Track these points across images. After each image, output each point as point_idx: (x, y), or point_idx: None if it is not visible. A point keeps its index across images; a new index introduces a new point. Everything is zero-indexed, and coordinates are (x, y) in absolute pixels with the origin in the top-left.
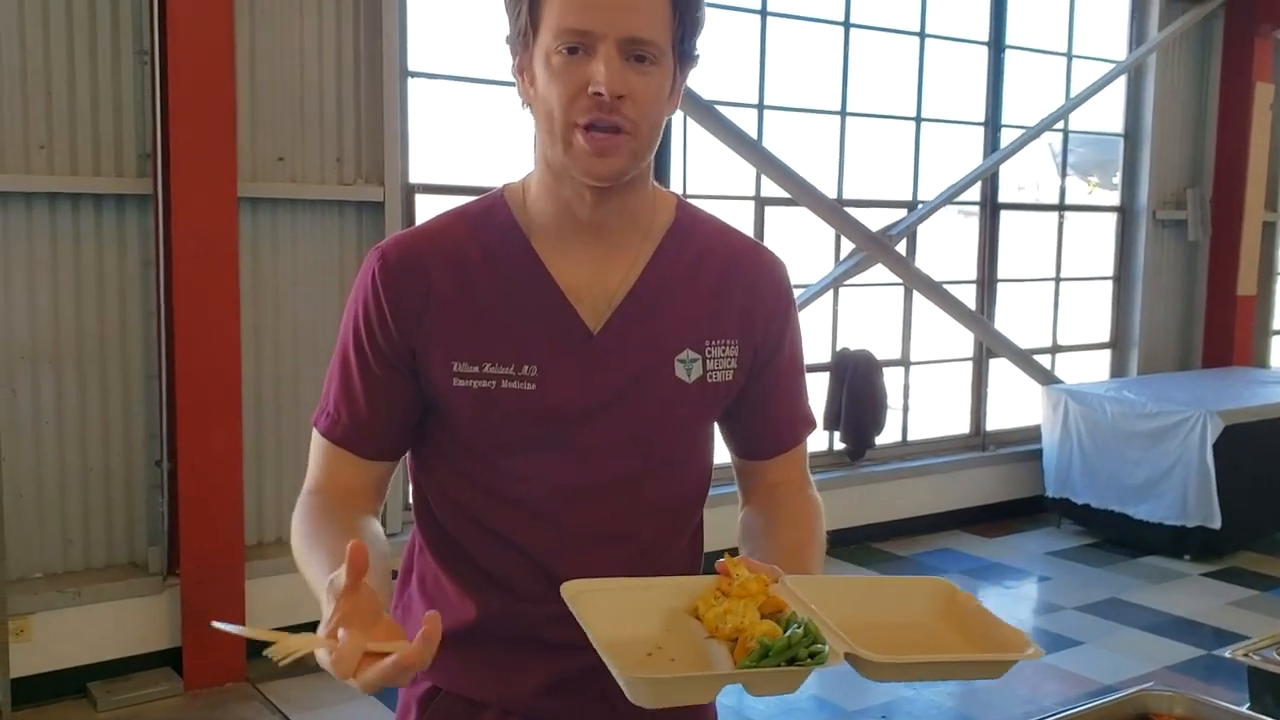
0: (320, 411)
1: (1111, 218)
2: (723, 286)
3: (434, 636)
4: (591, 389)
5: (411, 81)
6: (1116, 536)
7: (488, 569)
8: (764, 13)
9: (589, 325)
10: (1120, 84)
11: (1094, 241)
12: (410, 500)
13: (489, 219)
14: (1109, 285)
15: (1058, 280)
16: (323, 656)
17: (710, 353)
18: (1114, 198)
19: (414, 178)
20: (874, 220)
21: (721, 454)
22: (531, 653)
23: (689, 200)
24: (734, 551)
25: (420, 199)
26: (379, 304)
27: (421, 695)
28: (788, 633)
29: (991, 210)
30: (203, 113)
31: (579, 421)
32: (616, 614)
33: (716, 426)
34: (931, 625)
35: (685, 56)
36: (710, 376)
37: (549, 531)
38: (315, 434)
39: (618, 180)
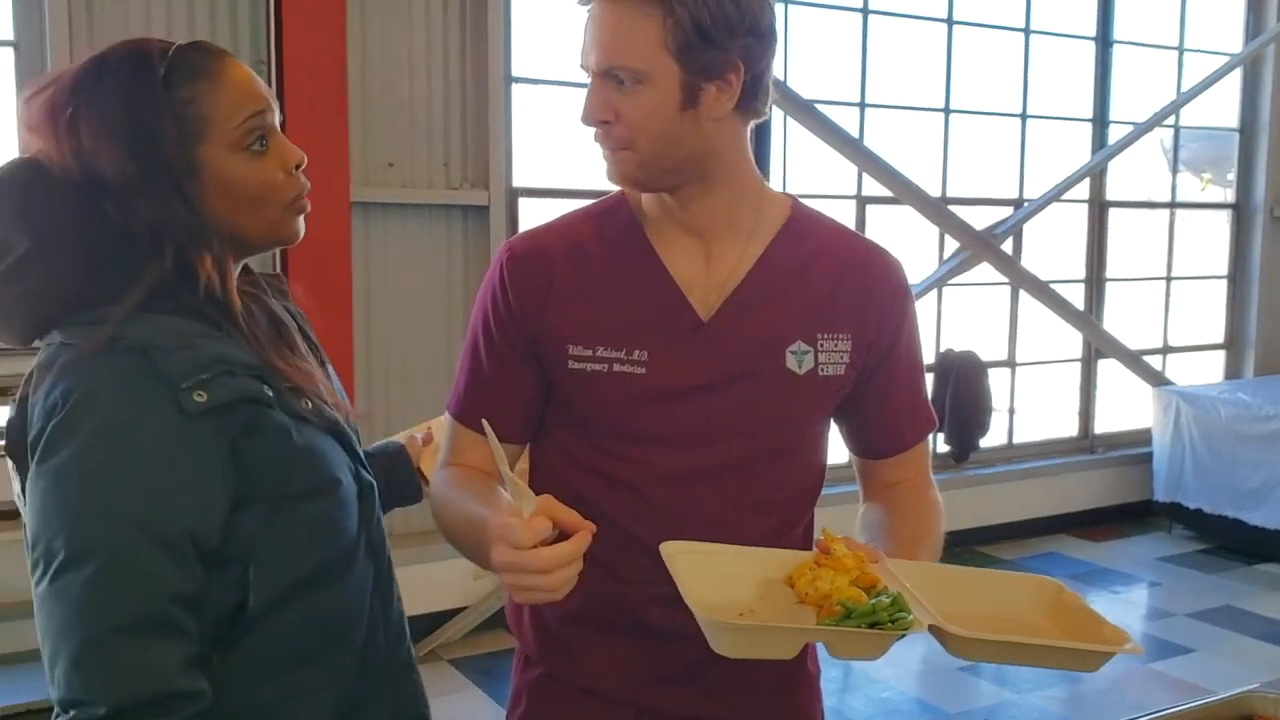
0: (452, 395)
1: (1225, 215)
2: (837, 283)
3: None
4: (700, 375)
5: (515, 87)
6: (1230, 543)
7: (594, 552)
8: (865, 11)
9: (700, 314)
10: (1235, 77)
11: (1207, 239)
12: None
13: (611, 217)
14: (1223, 284)
15: (1169, 279)
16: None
17: (822, 345)
18: (1229, 195)
19: (518, 182)
20: (979, 219)
21: (835, 454)
22: (638, 642)
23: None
24: None
25: (524, 203)
26: (505, 292)
27: (532, 682)
28: (874, 600)
29: (1100, 208)
30: (317, 120)
31: (686, 407)
32: (712, 577)
33: (834, 425)
34: (1031, 620)
35: (693, 63)
36: (821, 369)
37: (655, 517)
38: (447, 415)
39: (639, 185)
